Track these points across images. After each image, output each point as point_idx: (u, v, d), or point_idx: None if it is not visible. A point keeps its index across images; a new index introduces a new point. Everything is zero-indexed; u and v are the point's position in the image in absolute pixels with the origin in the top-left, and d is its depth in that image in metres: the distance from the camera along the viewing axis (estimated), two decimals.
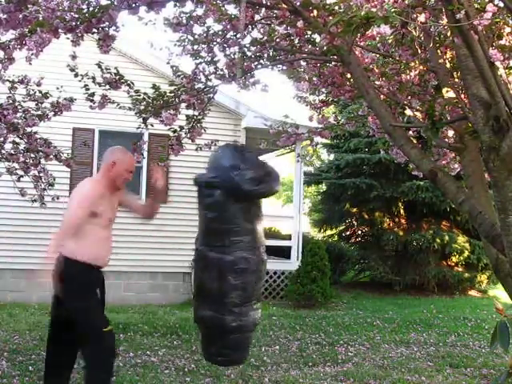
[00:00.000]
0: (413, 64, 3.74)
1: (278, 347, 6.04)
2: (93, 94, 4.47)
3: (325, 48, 3.36)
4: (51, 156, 5.39)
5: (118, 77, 4.27)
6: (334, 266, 11.27)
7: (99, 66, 4.26)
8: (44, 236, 8.82)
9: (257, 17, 3.87)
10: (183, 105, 4.51)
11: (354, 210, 13.13)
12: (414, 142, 3.32)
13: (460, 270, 11.91)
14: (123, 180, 3.59)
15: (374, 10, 2.30)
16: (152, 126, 4.76)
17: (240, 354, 3.07)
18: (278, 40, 3.92)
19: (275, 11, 3.61)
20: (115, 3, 3.17)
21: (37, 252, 8.78)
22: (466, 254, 11.61)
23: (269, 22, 4.02)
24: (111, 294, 8.95)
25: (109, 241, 3.57)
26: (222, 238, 2.91)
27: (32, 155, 5.35)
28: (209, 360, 3.21)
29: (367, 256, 12.48)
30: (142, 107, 4.52)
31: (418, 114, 4.09)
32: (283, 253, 10.58)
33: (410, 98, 3.96)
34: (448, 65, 3.77)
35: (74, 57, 3.93)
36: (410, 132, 4.30)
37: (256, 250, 2.91)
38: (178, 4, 3.72)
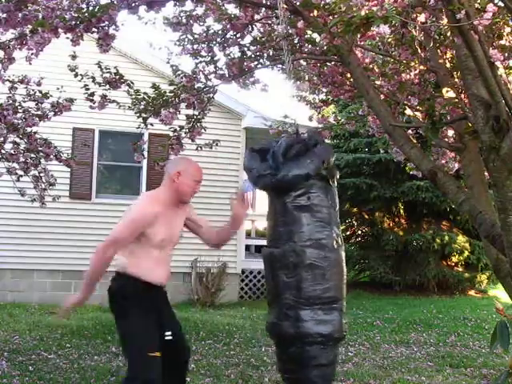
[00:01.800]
0: (413, 64, 3.74)
1: None
2: (93, 94, 4.47)
3: (325, 48, 3.36)
4: (51, 156, 5.39)
5: (117, 76, 4.27)
6: None
7: (99, 66, 4.27)
8: (44, 236, 8.86)
9: (257, 17, 3.87)
10: (183, 104, 4.51)
11: (354, 210, 13.13)
12: (414, 141, 3.32)
13: (460, 270, 11.92)
14: (191, 192, 3.16)
15: (374, 8, 2.30)
16: (152, 125, 4.76)
17: (307, 370, 2.48)
18: (278, 40, 3.92)
19: (275, 11, 3.61)
20: (115, 2, 3.17)
21: (36, 252, 8.80)
22: (466, 254, 11.62)
23: (269, 22, 4.02)
24: None
25: (163, 261, 3.16)
26: (271, 230, 2.61)
27: (32, 155, 5.35)
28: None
29: (367, 256, 12.47)
30: (142, 107, 4.52)
31: (418, 114, 4.09)
32: None
33: (409, 97, 3.96)
34: (448, 65, 3.77)
35: (74, 57, 3.93)
36: (409, 131, 4.30)
37: (314, 242, 2.47)
38: (177, 3, 3.72)
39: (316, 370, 2.48)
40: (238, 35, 4.06)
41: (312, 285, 2.43)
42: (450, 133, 4.01)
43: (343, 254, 2.58)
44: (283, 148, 2.60)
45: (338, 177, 2.67)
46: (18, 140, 5.29)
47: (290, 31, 3.37)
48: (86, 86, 4.44)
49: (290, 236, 2.49)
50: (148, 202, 3.20)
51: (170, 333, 3.08)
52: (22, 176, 5.54)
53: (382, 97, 3.70)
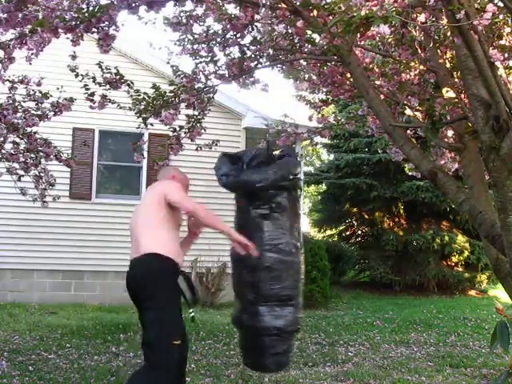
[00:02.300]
0: (412, 64, 3.74)
1: None
2: (93, 94, 4.47)
3: (325, 47, 3.36)
4: (51, 156, 5.39)
5: (118, 76, 4.27)
6: (334, 266, 11.28)
7: (99, 66, 4.26)
8: (44, 236, 8.86)
9: (257, 17, 3.87)
10: (183, 104, 4.51)
11: (354, 209, 13.13)
12: (414, 141, 3.32)
13: (460, 270, 11.92)
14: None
15: (374, 8, 2.30)
16: (152, 125, 4.76)
17: (263, 358, 2.85)
18: (277, 40, 3.92)
19: (275, 11, 3.61)
20: (115, 3, 3.16)
21: (36, 252, 8.80)
22: (466, 254, 11.62)
23: (269, 22, 4.01)
24: (111, 294, 9.02)
25: (179, 243, 3.49)
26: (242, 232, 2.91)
27: (32, 155, 5.35)
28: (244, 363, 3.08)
29: (367, 256, 12.48)
30: (142, 107, 4.52)
31: (418, 114, 4.09)
32: None
33: (409, 97, 3.96)
34: (448, 65, 3.77)
35: (74, 57, 3.93)
36: (408, 132, 4.30)
37: (267, 246, 2.78)
38: (177, 3, 3.71)
39: (272, 358, 2.84)
40: (238, 35, 4.05)
41: (269, 284, 2.74)
42: (450, 133, 4.01)
43: (301, 257, 2.88)
44: (249, 157, 2.97)
45: (301, 187, 3.05)
46: (18, 140, 5.29)
47: (290, 31, 3.37)
48: (85, 85, 4.44)
49: (252, 240, 2.78)
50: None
51: (192, 310, 3.30)
52: (22, 176, 5.54)
53: (382, 97, 3.70)
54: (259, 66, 4.18)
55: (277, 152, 3.11)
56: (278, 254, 2.76)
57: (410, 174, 5.23)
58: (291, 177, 2.88)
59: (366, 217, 12.86)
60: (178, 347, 3.01)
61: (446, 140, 4.01)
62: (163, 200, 3.16)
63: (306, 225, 17.36)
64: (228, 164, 3.05)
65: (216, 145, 5.31)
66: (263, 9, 2.88)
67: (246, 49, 4.09)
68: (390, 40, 3.77)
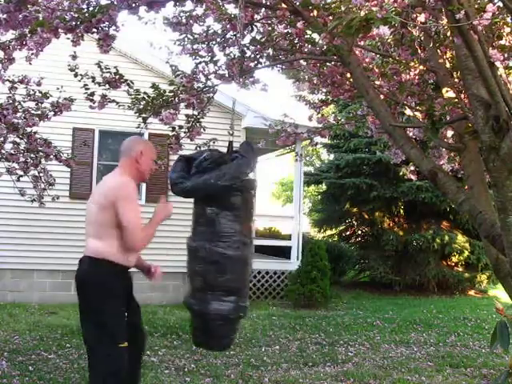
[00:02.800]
0: (412, 64, 3.74)
1: (278, 347, 6.04)
2: (92, 94, 4.46)
3: (325, 48, 3.36)
4: (51, 156, 5.39)
5: (117, 76, 4.27)
6: (334, 265, 11.28)
7: (99, 66, 4.26)
8: (44, 236, 8.86)
9: (256, 17, 3.87)
10: (182, 104, 4.50)
11: (354, 209, 13.13)
12: (414, 142, 3.32)
13: (460, 270, 11.92)
14: (150, 171, 3.31)
15: (374, 9, 2.30)
16: (151, 124, 4.76)
17: (209, 339, 3.14)
18: (277, 40, 3.92)
19: (275, 11, 3.61)
20: (115, 3, 3.16)
21: (36, 252, 8.80)
22: (466, 253, 11.62)
23: (269, 22, 4.02)
24: None
25: None
26: (193, 226, 3.21)
27: (32, 155, 5.35)
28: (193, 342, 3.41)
29: (367, 256, 12.48)
30: (142, 106, 4.52)
31: (418, 114, 4.09)
32: (283, 253, 10.58)
33: (409, 97, 3.96)
34: (448, 65, 3.77)
35: (74, 57, 3.93)
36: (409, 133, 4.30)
37: (216, 241, 2.99)
38: (177, 3, 3.71)
39: (216, 340, 3.13)
40: (238, 35, 4.05)
41: (215, 276, 2.99)
42: (450, 133, 4.01)
43: (248, 252, 3.10)
44: (197, 161, 3.10)
45: (254, 187, 3.20)
46: (17, 140, 5.29)
47: (290, 31, 3.37)
48: (85, 85, 4.44)
49: (204, 235, 3.07)
50: (128, 181, 3.18)
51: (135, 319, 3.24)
52: (22, 176, 5.54)
53: (382, 97, 3.70)
54: (259, 65, 4.18)
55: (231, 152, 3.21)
56: (224, 249, 2.99)
57: (411, 177, 5.22)
58: (242, 178, 3.03)
59: (366, 217, 12.86)
60: (125, 349, 2.98)
61: (445, 140, 4.01)
62: (112, 208, 3.01)
63: (306, 225, 17.36)
64: (178, 170, 3.18)
65: (213, 143, 5.30)
66: (238, 20, 2.88)
67: (245, 49, 4.08)
68: (389, 40, 3.77)
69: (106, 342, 2.95)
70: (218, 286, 3.01)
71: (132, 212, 3.08)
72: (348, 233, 14.10)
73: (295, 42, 3.87)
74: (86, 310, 3.06)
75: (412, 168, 5.12)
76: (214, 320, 3.02)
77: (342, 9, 2.79)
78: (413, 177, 5.05)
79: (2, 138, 4.99)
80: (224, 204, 3.03)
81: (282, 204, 28.90)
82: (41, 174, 5.62)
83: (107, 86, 4.28)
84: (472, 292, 12.06)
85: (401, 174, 4.84)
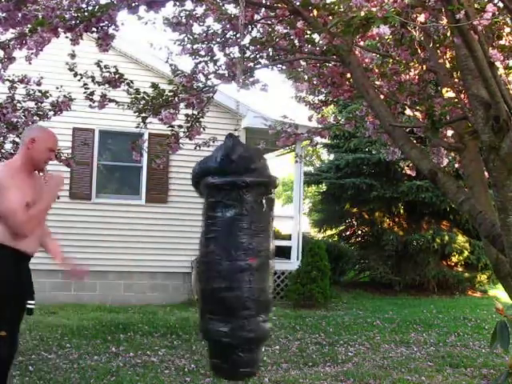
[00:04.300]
0: (412, 64, 3.74)
1: (278, 347, 6.04)
2: (92, 93, 4.46)
3: (324, 48, 3.36)
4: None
5: (117, 76, 4.27)
6: (334, 266, 11.27)
7: (98, 65, 4.26)
8: None
9: (256, 16, 3.87)
10: (182, 104, 4.51)
11: (354, 210, 13.13)
12: (414, 141, 3.32)
13: (460, 270, 11.92)
14: (45, 159, 3.24)
15: (373, 9, 2.29)
16: (151, 123, 4.76)
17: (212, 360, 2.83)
18: (277, 40, 3.92)
19: (275, 11, 3.61)
20: (115, 2, 3.16)
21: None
22: (466, 254, 11.62)
23: (269, 22, 4.02)
24: (111, 294, 9.03)
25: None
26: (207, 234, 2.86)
27: None
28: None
29: (367, 256, 12.48)
30: (141, 106, 4.52)
31: (418, 114, 4.09)
32: (283, 253, 10.58)
33: (409, 97, 3.96)
34: (448, 65, 3.76)
35: (73, 56, 3.92)
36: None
37: (204, 253, 2.69)
38: (177, 3, 3.71)
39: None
40: (238, 35, 4.05)
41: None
42: (449, 133, 4.01)
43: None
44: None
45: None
46: (17, 140, 5.29)
47: (290, 31, 3.37)
48: (85, 85, 4.44)
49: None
50: (4, 169, 3.21)
51: (33, 302, 3.16)
52: None
53: (382, 97, 3.70)
54: (259, 65, 4.18)
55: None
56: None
57: (410, 173, 5.21)
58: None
59: (366, 217, 12.86)
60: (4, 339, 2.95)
61: (445, 140, 4.01)
62: None
63: (306, 225, 17.36)
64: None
65: (213, 142, 5.30)
66: (240, 21, 2.87)
67: (245, 49, 4.08)
68: (389, 40, 3.77)
69: None
70: (209, 304, 2.68)
71: (3, 200, 2.98)
72: (348, 233, 14.09)
73: (295, 42, 3.87)
74: None
75: (411, 164, 5.11)
76: (209, 341, 2.73)
77: (342, 9, 2.79)
78: (411, 173, 5.04)
79: (1, 138, 4.98)
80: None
81: (282, 204, 28.89)
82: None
83: (107, 85, 4.28)
84: (472, 292, 12.06)
85: (399, 169, 4.83)
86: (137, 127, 4.77)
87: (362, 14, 2.28)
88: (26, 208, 3.02)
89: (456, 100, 3.49)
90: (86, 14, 3.13)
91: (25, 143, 3.18)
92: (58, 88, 5.20)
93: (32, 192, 3.13)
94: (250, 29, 4.00)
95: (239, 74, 3.19)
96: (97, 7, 3.15)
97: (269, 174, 2.77)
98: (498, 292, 11.43)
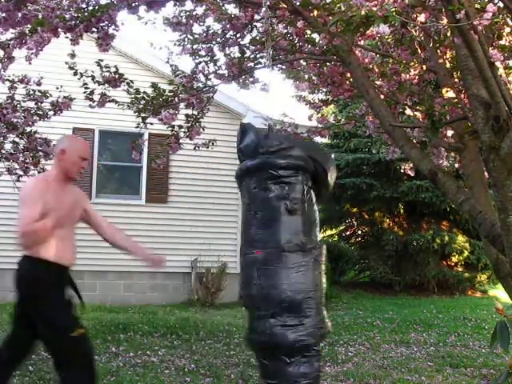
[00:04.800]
0: (412, 64, 3.74)
1: None
2: (92, 93, 4.46)
3: (325, 48, 3.36)
4: (51, 155, 5.39)
5: (117, 75, 4.27)
6: (334, 265, 11.27)
7: (98, 64, 4.26)
8: None
9: (256, 17, 3.87)
10: (182, 104, 4.51)
11: (354, 209, 13.13)
12: (414, 141, 3.32)
13: (460, 270, 11.92)
14: (77, 169, 3.23)
15: (374, 9, 2.30)
16: (151, 124, 4.76)
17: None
18: (277, 40, 3.92)
19: (275, 11, 3.61)
20: (115, 2, 3.16)
21: None
22: (466, 254, 11.62)
23: (269, 23, 4.01)
24: (111, 294, 9.02)
25: (68, 241, 3.25)
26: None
27: (31, 154, 5.34)
28: None
29: (367, 256, 12.48)
30: (141, 106, 4.52)
31: (418, 114, 4.09)
32: None
33: (409, 97, 3.96)
34: (448, 65, 3.77)
35: (73, 55, 3.92)
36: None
37: (245, 252, 2.62)
38: (177, 3, 3.71)
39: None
40: (238, 35, 4.06)
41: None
42: (450, 133, 4.01)
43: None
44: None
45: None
46: (17, 140, 5.29)
47: (290, 31, 3.37)
48: (85, 84, 4.44)
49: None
50: (34, 181, 3.37)
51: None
52: (21, 176, 5.54)
53: (382, 97, 3.70)
54: (259, 65, 4.18)
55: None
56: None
57: (410, 173, 5.21)
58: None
59: (366, 217, 12.86)
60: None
61: (445, 140, 4.01)
62: None
63: None
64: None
65: (212, 144, 5.31)
66: (264, 9, 2.87)
67: (245, 49, 4.09)
68: (389, 40, 3.77)
69: None
70: (257, 304, 2.57)
71: (22, 210, 3.24)
72: (348, 233, 14.09)
73: (295, 41, 3.87)
74: None
75: (411, 165, 5.12)
76: (256, 348, 2.61)
77: (343, 8, 2.79)
78: (411, 173, 5.05)
79: (1, 138, 4.99)
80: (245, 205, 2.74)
81: None
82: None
83: (107, 85, 4.28)
84: (472, 292, 12.06)
85: (400, 169, 4.84)
86: (137, 127, 4.77)
87: (363, 13, 2.28)
88: (37, 220, 3.13)
89: (456, 100, 3.49)
90: (86, 14, 3.13)
91: (56, 155, 3.21)
92: (57, 88, 5.21)
93: (63, 203, 3.16)
94: (249, 29, 4.00)
95: (268, 57, 3.18)
96: (97, 7, 3.15)
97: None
98: (498, 292, 11.43)
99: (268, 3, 3.60)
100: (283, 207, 2.56)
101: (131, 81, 4.44)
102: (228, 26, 3.88)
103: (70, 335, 2.97)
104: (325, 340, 2.72)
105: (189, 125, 4.80)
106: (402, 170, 6.09)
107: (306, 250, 2.57)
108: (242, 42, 4.16)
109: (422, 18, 3.20)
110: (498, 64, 2.53)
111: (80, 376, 3.01)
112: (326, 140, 13.01)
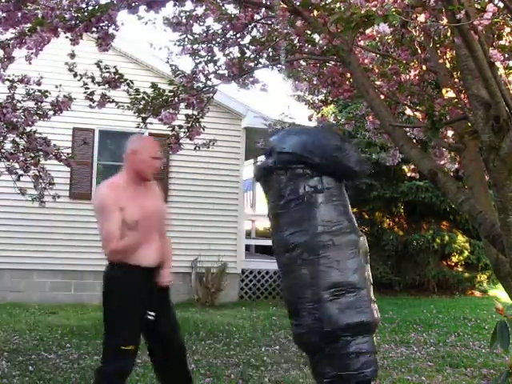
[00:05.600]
0: (412, 64, 3.74)
1: (277, 347, 6.03)
2: (92, 93, 4.46)
3: (324, 48, 3.36)
4: (51, 155, 5.39)
5: (117, 76, 4.27)
6: None
7: (98, 65, 4.26)
8: (44, 236, 8.85)
9: (256, 16, 3.88)
10: (182, 104, 4.51)
11: (354, 209, 13.12)
12: (414, 142, 3.32)
13: (460, 270, 11.92)
14: (150, 169, 3.21)
15: (374, 8, 2.30)
16: (151, 124, 4.76)
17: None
18: (277, 40, 3.92)
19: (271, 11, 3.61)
20: (115, 2, 3.16)
21: (36, 252, 8.79)
22: (466, 254, 11.62)
23: (269, 22, 4.02)
24: None
25: (150, 243, 3.17)
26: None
27: (31, 154, 5.34)
28: None
29: None
30: (141, 106, 4.52)
31: (418, 114, 4.09)
32: None
33: (409, 97, 3.96)
34: (448, 65, 3.77)
35: (72, 55, 3.92)
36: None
37: (284, 251, 2.90)
38: (177, 3, 3.71)
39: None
40: (238, 35, 4.06)
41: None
42: (450, 133, 4.01)
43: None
44: None
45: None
46: (17, 139, 5.29)
47: (289, 31, 3.37)
48: (85, 85, 4.44)
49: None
50: (105, 189, 3.19)
51: (153, 313, 3.17)
52: (22, 175, 5.54)
53: (382, 97, 3.70)
54: (259, 65, 4.18)
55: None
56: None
57: (413, 175, 5.21)
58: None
59: (366, 217, 12.85)
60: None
61: (445, 140, 4.01)
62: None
63: None
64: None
65: (213, 144, 5.31)
66: (277, 11, 2.87)
67: (245, 49, 4.09)
68: (389, 40, 3.77)
69: None
70: (295, 303, 2.98)
71: (104, 222, 3.14)
72: None
73: (295, 42, 3.87)
74: None
75: (413, 166, 5.12)
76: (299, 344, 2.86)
77: (342, 8, 2.79)
78: (414, 175, 5.05)
79: (1, 138, 4.98)
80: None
81: None
82: (41, 174, 5.62)
83: (107, 85, 4.28)
84: (472, 292, 12.05)
85: (402, 170, 4.85)
86: (137, 127, 4.77)
87: (362, 12, 2.28)
88: (122, 235, 3.09)
89: (456, 100, 3.49)
90: (85, 14, 3.13)
91: (127, 156, 3.13)
92: (57, 87, 5.20)
93: (143, 205, 3.07)
94: (249, 29, 4.00)
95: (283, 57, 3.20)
96: (97, 7, 3.15)
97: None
98: (498, 292, 11.42)
99: (268, 3, 3.60)
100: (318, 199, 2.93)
101: (131, 81, 4.44)
102: (228, 26, 3.89)
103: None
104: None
105: (189, 125, 4.80)
106: (403, 172, 6.10)
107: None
108: (242, 42, 4.16)
109: (421, 18, 3.20)
110: (498, 64, 2.53)
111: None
112: None
